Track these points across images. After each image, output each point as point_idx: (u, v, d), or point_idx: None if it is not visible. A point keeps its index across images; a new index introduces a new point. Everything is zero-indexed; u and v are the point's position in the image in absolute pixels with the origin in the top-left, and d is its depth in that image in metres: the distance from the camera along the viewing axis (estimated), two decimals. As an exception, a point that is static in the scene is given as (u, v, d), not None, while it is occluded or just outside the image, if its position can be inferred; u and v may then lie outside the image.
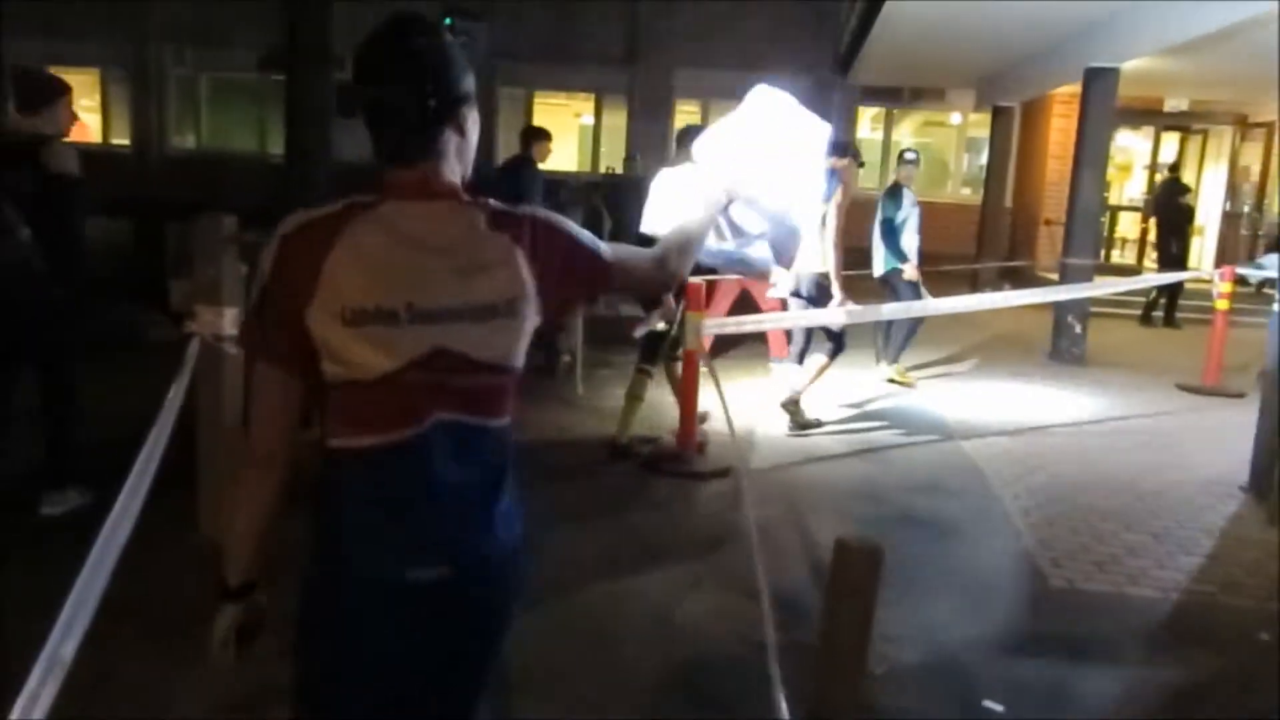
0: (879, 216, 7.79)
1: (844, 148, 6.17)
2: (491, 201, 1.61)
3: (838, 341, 6.20)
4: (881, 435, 6.35)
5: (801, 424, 6.25)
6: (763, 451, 5.83)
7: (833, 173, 5.89)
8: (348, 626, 1.59)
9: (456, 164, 1.61)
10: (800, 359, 6.25)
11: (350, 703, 1.62)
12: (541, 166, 7.76)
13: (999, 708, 3.13)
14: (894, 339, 7.77)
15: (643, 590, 3.86)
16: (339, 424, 1.54)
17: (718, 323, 5.57)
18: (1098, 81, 9.38)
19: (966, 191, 17.29)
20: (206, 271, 3.88)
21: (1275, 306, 5.55)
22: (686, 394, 5.40)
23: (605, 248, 1.71)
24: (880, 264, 7.80)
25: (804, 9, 16.38)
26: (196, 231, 3.94)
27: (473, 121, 1.63)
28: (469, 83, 1.59)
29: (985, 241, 14.35)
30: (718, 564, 4.08)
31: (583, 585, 3.86)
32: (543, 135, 7.86)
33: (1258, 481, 5.35)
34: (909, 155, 8.03)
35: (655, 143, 16.10)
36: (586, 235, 1.70)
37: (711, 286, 5.74)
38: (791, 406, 6.23)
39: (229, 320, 3.89)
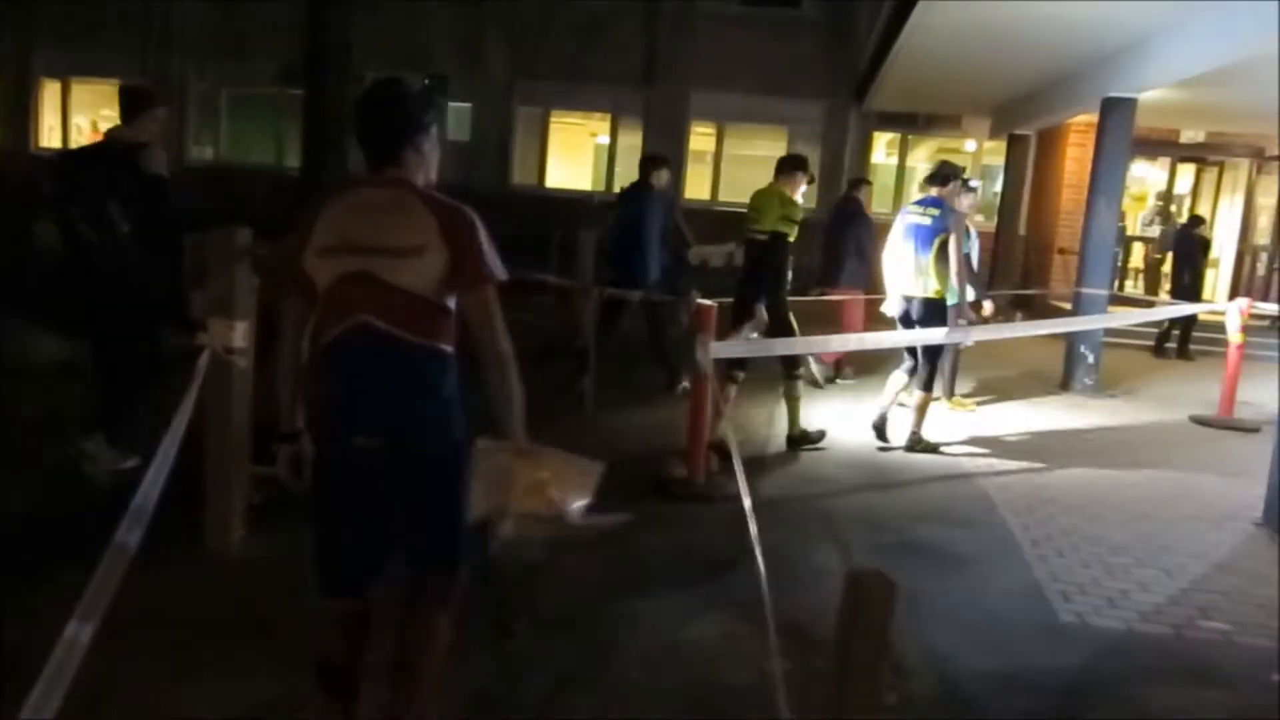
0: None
1: (944, 177, 6.55)
2: (435, 193, 2.41)
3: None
4: (893, 463, 6.32)
5: (925, 447, 6.59)
6: (776, 476, 5.81)
7: (940, 201, 6.43)
8: (326, 475, 2.44)
9: (416, 171, 2.45)
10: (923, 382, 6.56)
11: (335, 531, 2.46)
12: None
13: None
14: (946, 370, 7.70)
15: (649, 614, 3.83)
16: (319, 329, 2.40)
17: (725, 345, 5.55)
18: (1115, 111, 9.35)
19: (980, 219, 17.23)
20: (219, 284, 3.88)
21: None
22: (696, 416, 5.37)
23: (495, 272, 2.37)
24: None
25: (823, 34, 16.44)
26: (210, 244, 3.95)
27: (430, 144, 2.47)
28: (426, 119, 2.46)
29: (999, 270, 14.30)
30: (726, 589, 4.04)
31: (590, 608, 3.84)
32: (661, 163, 8.27)
33: (1273, 516, 5.29)
34: (972, 184, 7.62)
35: (670, 164, 16.14)
36: (488, 249, 2.37)
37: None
38: (913, 438, 6.59)
39: (240, 333, 3.89)
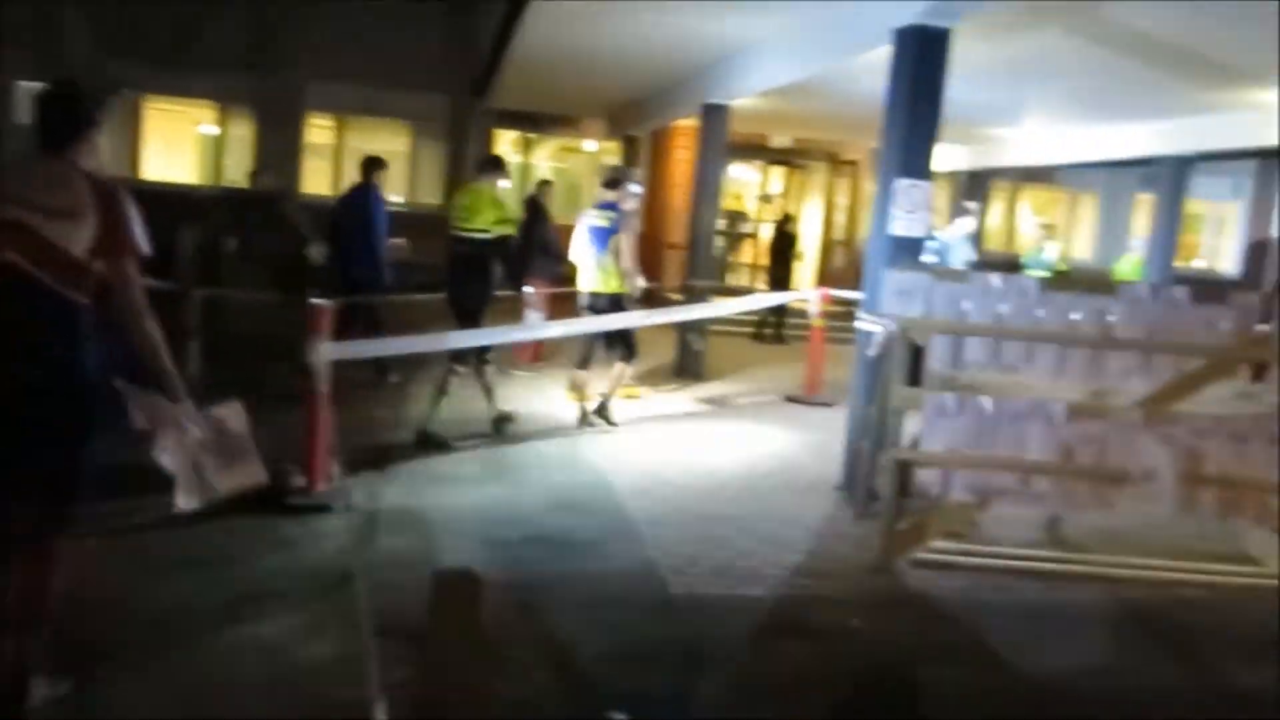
0: None
1: (616, 181, 7.27)
2: (95, 174, 2.87)
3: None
4: (517, 454, 6.41)
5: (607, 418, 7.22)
6: (406, 478, 5.68)
7: (614, 205, 7.10)
8: None
9: (83, 155, 2.90)
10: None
11: None
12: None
13: (623, 717, 3.21)
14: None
15: (264, 638, 3.58)
16: None
17: (339, 347, 5.36)
18: (712, 117, 10.16)
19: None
20: None
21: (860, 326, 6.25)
22: (313, 423, 5.12)
23: (138, 245, 2.88)
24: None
25: (445, 27, 16.30)
26: None
27: (97, 134, 2.94)
28: (88, 118, 2.93)
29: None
30: (344, 604, 3.87)
31: (196, 638, 3.52)
32: (382, 163, 8.58)
33: (849, 481, 5.98)
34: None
35: (285, 157, 15.32)
36: (135, 226, 2.88)
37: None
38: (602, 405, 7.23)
39: None
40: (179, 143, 16.94)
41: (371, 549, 4.46)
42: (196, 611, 3.72)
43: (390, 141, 17.31)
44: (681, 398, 8.73)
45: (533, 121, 17.33)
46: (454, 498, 5.44)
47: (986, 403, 4.87)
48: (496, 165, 6.80)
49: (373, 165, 8.40)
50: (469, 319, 6.48)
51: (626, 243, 6.98)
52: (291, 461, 5.31)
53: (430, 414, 6.45)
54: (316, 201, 15.32)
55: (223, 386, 6.69)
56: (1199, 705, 3.71)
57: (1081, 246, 19.38)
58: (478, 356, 6.57)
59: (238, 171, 14.60)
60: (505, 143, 17.89)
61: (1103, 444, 4.86)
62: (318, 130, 16.85)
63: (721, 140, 10.31)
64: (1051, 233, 14.45)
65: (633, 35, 9.11)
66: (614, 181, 7.30)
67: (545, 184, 10.46)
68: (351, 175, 16.62)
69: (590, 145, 18.07)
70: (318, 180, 16.69)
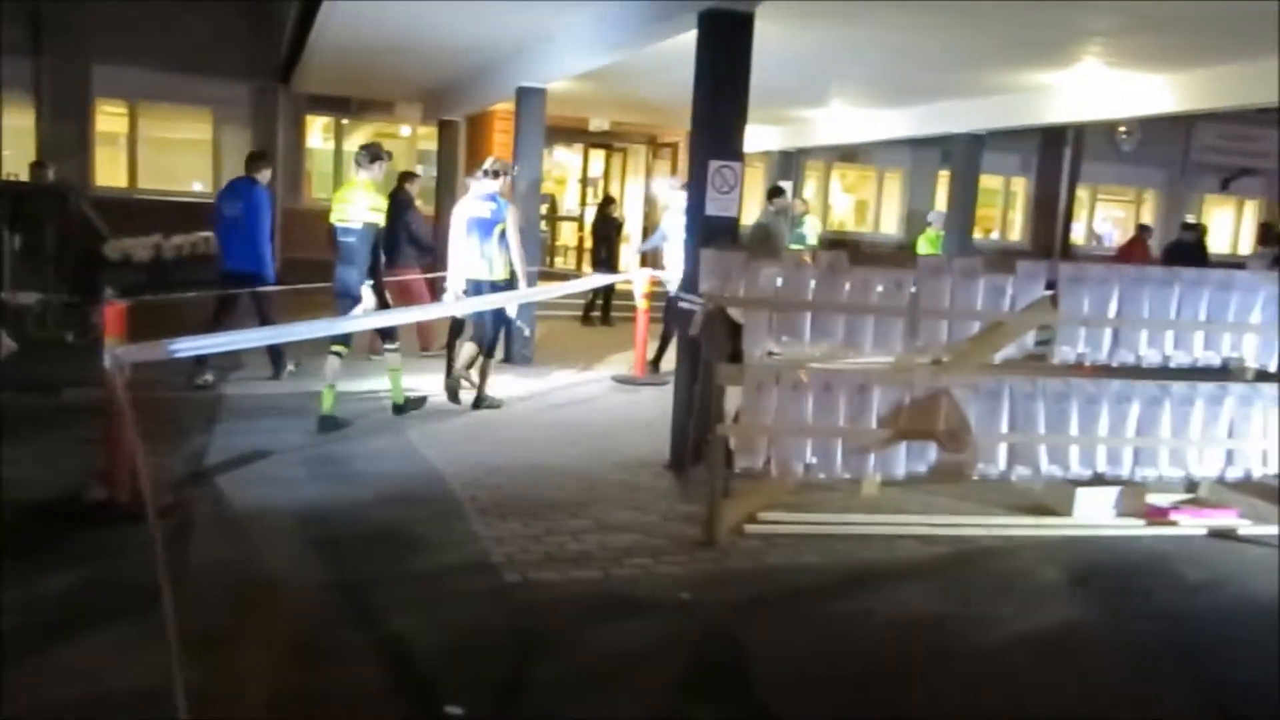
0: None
1: (496, 172, 7.51)
2: None
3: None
4: (340, 449, 6.23)
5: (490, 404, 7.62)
6: (220, 482, 5.43)
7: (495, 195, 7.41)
8: None
9: None
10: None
11: None
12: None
13: (459, 710, 3.19)
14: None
15: (76, 661, 3.36)
16: None
17: (136, 348, 5.06)
18: (528, 100, 10.11)
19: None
20: None
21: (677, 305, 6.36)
22: (113, 431, 4.79)
23: None
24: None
25: (242, 10, 15.54)
26: None
27: None
28: None
29: (442, 252, 14.74)
30: (160, 617, 3.67)
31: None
32: (267, 159, 8.64)
33: (676, 460, 6.10)
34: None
35: (73, 147, 14.32)
36: None
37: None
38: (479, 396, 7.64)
39: None
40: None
41: (182, 559, 4.24)
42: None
43: (191, 129, 16.43)
44: (510, 383, 8.67)
45: (345, 106, 16.78)
46: (276, 497, 5.23)
47: (803, 375, 5.05)
48: (372, 157, 6.94)
49: (254, 159, 8.53)
50: (354, 304, 6.73)
51: (511, 232, 7.30)
52: (90, 474, 5.01)
53: (395, 386, 7.07)
54: (111, 195, 14.41)
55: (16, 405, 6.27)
56: (976, 641, 3.99)
57: (889, 222, 20.36)
58: (384, 341, 7.05)
59: (19, 164, 13.51)
60: (316, 129, 17.26)
61: (911, 408, 5.12)
62: (108, 118, 15.80)
63: (539, 124, 10.27)
64: (808, 208, 15.30)
65: (444, 18, 8.94)
66: (494, 171, 7.49)
67: (409, 175, 10.54)
68: (151, 165, 15.90)
69: (405, 131, 17.64)
70: (112, 172, 15.67)
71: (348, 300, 6.76)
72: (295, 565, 4.31)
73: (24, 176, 12.26)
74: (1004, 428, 5.25)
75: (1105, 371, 5.44)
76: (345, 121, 17.25)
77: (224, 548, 4.50)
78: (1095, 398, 5.33)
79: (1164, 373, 5.45)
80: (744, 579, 4.53)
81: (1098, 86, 10.54)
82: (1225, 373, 5.54)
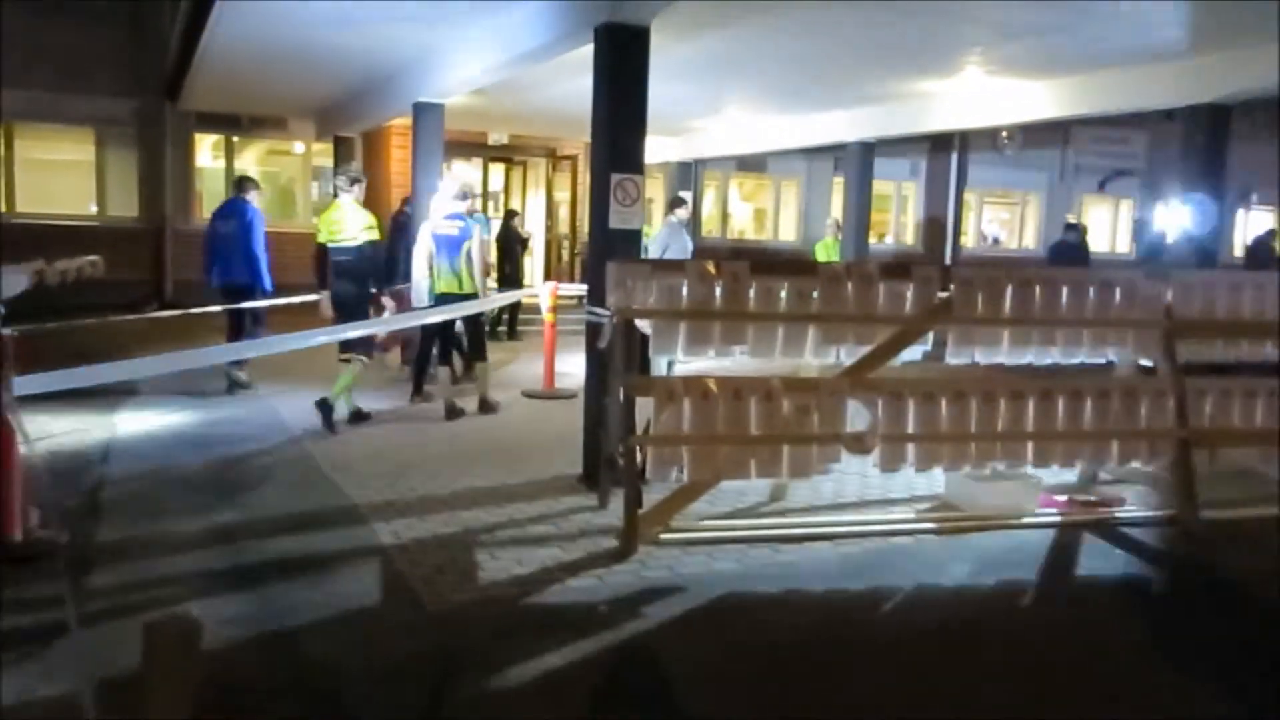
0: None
1: (464, 194, 8.18)
2: None
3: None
4: (245, 473, 6.08)
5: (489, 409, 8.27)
6: (119, 513, 5.23)
7: (461, 215, 8.00)
8: None
9: None
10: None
11: None
12: None
13: (380, 739, 3.14)
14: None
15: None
16: None
17: (31, 380, 4.88)
18: (425, 115, 10.04)
19: (315, 221, 17.24)
20: None
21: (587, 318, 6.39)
22: (2, 465, 4.59)
23: None
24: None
25: (125, 26, 15.03)
26: None
27: None
28: None
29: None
30: (66, 654, 3.54)
31: None
32: (255, 183, 9.44)
33: (589, 472, 6.11)
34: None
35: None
36: None
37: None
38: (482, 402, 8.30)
39: None
40: None
41: (80, 597, 4.08)
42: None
43: (72, 150, 15.83)
44: (417, 401, 8.57)
45: (235, 124, 16.35)
46: (178, 527, 5.07)
47: (710, 384, 5.12)
48: (352, 180, 7.68)
49: (244, 182, 9.38)
50: (351, 318, 7.47)
51: (478, 249, 7.95)
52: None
53: (344, 394, 7.52)
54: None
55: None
56: (891, 637, 4.11)
57: (787, 229, 20.73)
58: (361, 350, 7.55)
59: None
60: (206, 147, 16.78)
61: (817, 412, 5.24)
62: (-15, 140, 15.12)
63: (437, 139, 10.20)
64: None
65: (334, 34, 8.81)
66: (462, 194, 8.15)
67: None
68: (27, 188, 15.23)
69: (299, 148, 17.28)
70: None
71: (345, 312, 7.49)
72: (193, 598, 4.19)
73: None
74: (909, 428, 5.41)
75: (1000, 370, 5.66)
76: (236, 139, 16.80)
77: (115, 584, 4.35)
78: (992, 395, 5.53)
79: (1056, 369, 5.70)
80: (661, 588, 4.56)
81: (979, 93, 10.96)
82: (1111, 369, 5.82)
